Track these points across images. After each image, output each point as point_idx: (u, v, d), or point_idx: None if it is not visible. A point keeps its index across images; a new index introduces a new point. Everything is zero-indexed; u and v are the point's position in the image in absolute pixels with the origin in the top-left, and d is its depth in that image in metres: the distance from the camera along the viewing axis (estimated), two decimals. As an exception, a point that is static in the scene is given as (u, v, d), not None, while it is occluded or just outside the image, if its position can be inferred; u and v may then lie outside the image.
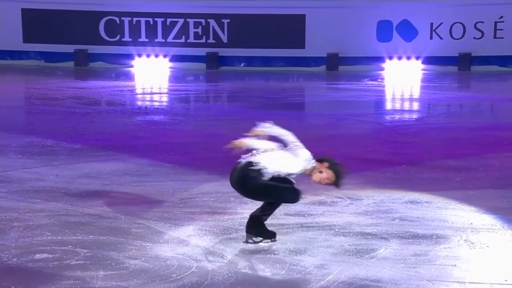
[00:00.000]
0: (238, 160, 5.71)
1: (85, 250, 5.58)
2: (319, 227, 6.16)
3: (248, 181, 5.60)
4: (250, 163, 5.62)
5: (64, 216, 6.37)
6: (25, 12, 16.13)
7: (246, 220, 5.79)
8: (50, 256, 5.47)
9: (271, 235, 5.75)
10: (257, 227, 5.71)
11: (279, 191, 5.65)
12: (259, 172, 5.60)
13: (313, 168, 5.73)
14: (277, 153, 5.72)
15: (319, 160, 5.78)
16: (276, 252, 5.61)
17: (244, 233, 5.75)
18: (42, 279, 5.11)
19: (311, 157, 5.73)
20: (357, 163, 8.19)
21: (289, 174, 5.72)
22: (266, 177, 5.62)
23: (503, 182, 7.50)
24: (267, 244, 5.72)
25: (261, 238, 5.72)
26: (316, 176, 5.75)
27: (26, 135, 9.49)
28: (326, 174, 5.75)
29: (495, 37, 15.52)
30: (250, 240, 5.72)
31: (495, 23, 15.45)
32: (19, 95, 13.54)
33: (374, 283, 5.07)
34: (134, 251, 5.60)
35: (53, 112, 11.20)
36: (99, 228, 6.09)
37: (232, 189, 6.38)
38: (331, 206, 6.71)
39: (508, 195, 7.05)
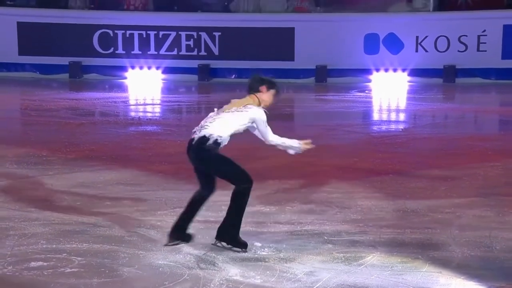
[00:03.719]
0: (192, 136, 5.67)
1: (79, 258, 5.56)
2: (309, 235, 6.16)
3: (206, 154, 5.58)
4: (204, 137, 5.59)
5: (58, 224, 6.35)
6: (21, 26, 16.10)
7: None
8: (45, 264, 5.45)
9: (243, 246, 5.72)
10: (230, 237, 5.71)
11: (234, 167, 5.62)
12: (215, 143, 5.58)
13: (260, 102, 5.72)
14: (224, 117, 5.65)
15: (256, 91, 5.74)
16: (267, 260, 5.60)
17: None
18: (37, 287, 5.08)
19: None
20: (346, 173, 8.21)
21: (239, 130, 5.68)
22: (223, 144, 5.59)
23: (487, 191, 7.52)
24: (257, 252, 5.71)
25: (230, 246, 5.72)
26: (265, 102, 5.73)
27: (21, 145, 9.46)
28: (267, 96, 5.73)
29: (478, 50, 15.59)
30: (218, 244, 5.73)
31: (478, 36, 15.53)
32: (15, 107, 13.50)
33: (362, 289, 5.08)
34: (127, 259, 5.58)
35: (48, 123, 11.17)
36: (93, 236, 6.07)
37: (223, 198, 6.39)
38: (320, 214, 6.71)
39: (492, 204, 7.07)
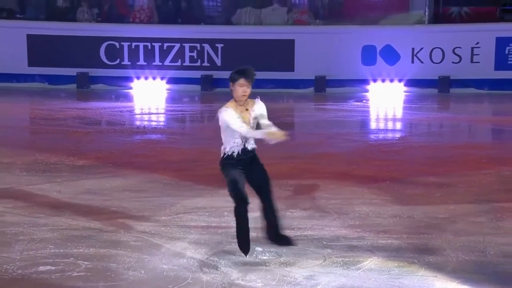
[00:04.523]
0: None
1: (86, 262, 5.55)
2: (308, 240, 6.15)
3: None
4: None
5: (66, 230, 6.34)
6: (30, 38, 16.13)
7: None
8: (53, 268, 5.44)
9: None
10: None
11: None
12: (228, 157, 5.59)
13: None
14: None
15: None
16: (268, 264, 5.59)
17: (235, 246, 5.71)
18: (45, 290, 5.08)
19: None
20: (344, 180, 8.19)
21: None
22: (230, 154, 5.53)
23: (481, 197, 7.51)
24: (258, 256, 5.70)
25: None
26: (236, 97, 5.53)
27: (30, 153, 9.46)
28: (234, 92, 5.51)
29: (472, 61, 15.60)
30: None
31: (472, 48, 15.55)
32: (24, 116, 13.51)
33: (360, 293, 5.07)
34: (132, 263, 5.58)
35: (56, 132, 11.17)
36: (99, 241, 6.06)
37: (226, 204, 6.39)
38: (319, 220, 6.70)
39: (486, 210, 7.06)
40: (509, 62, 15.54)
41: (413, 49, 15.65)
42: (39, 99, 14.95)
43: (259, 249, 5.84)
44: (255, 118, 5.61)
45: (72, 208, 6.99)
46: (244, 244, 5.63)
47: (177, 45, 16.01)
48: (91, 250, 5.83)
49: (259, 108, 5.63)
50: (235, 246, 5.80)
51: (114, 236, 6.20)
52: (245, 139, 5.61)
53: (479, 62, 15.53)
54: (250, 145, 5.66)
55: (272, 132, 5.55)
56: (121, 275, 5.34)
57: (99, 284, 5.15)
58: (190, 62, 16.06)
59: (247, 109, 5.57)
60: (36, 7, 18.13)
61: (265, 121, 5.65)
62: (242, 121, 5.53)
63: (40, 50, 16.10)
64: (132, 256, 5.70)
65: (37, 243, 5.96)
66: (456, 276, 5.39)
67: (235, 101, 5.57)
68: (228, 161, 5.60)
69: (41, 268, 5.44)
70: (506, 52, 15.54)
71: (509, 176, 8.42)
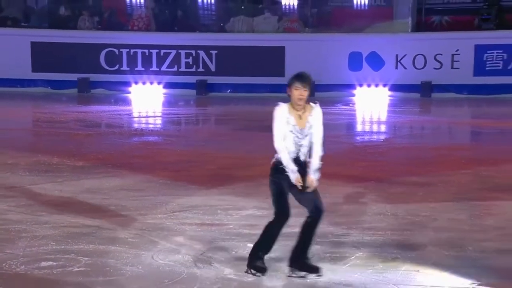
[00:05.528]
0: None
1: (86, 258, 5.53)
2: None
3: None
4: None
5: (67, 227, 6.31)
6: (34, 45, 16.11)
7: (232, 231, 5.75)
8: (55, 263, 5.42)
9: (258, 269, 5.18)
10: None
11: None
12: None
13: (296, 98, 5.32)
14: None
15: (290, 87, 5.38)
16: (259, 259, 5.57)
17: (235, 243, 5.68)
18: (47, 284, 5.06)
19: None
20: (331, 179, 8.18)
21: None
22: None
23: (460, 196, 7.52)
24: (248, 252, 5.68)
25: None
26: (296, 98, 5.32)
27: (33, 154, 9.43)
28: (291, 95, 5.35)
29: (452, 67, 15.67)
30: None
31: (452, 55, 15.61)
32: (28, 119, 13.47)
33: (347, 287, 5.06)
34: (130, 258, 5.56)
35: (58, 134, 11.14)
36: (99, 238, 6.04)
37: (219, 203, 6.37)
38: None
39: (464, 208, 7.08)
40: (487, 69, 15.62)
41: (397, 55, 15.70)
42: (42, 103, 14.90)
43: (250, 245, 5.82)
44: (311, 127, 5.23)
45: (73, 206, 6.97)
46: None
47: (173, 52, 16.01)
48: (91, 246, 5.81)
49: (316, 114, 5.28)
50: (228, 243, 5.79)
51: (113, 233, 6.18)
52: (299, 146, 5.18)
53: (459, 68, 15.60)
54: (303, 155, 5.21)
55: (298, 179, 5.10)
56: (119, 270, 5.32)
57: (99, 279, 5.14)
58: (185, 68, 16.05)
59: (302, 115, 5.28)
60: (39, 16, 18.11)
61: (315, 131, 5.21)
62: (289, 131, 5.19)
63: (43, 56, 16.06)
64: (129, 252, 5.68)
65: (39, 240, 5.94)
66: (437, 270, 5.39)
67: (291, 104, 5.36)
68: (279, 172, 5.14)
69: (43, 263, 5.42)
70: (484, 59, 15.60)
71: (487, 176, 8.44)
